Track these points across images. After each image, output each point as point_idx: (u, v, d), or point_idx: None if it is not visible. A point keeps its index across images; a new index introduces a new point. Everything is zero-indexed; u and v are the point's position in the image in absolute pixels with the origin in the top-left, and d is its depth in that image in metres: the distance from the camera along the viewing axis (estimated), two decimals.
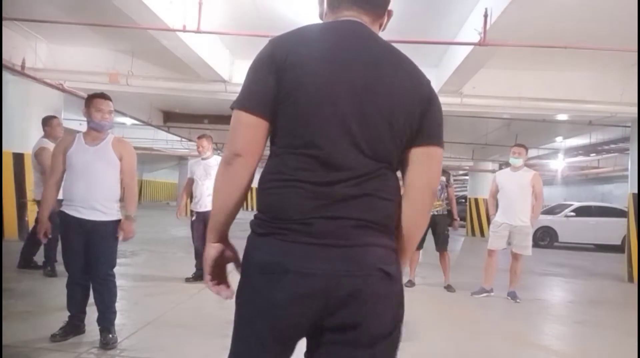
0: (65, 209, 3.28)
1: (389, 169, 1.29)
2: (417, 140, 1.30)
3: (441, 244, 6.19)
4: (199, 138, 5.90)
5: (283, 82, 1.22)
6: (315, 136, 1.23)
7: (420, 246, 6.22)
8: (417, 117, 1.30)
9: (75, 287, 3.38)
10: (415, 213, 1.34)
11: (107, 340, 3.29)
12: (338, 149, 1.23)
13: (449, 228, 6.24)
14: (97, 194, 3.25)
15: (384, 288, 1.25)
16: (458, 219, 6.22)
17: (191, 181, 5.91)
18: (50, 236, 3.31)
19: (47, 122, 5.58)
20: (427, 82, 1.40)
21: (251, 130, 1.24)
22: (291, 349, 1.31)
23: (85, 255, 3.30)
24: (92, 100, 3.31)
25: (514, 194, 5.63)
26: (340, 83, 1.24)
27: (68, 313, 3.41)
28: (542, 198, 5.77)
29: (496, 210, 5.90)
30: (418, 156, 1.31)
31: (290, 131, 1.25)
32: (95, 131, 3.32)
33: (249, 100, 1.25)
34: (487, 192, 6.58)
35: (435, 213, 6.11)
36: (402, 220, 1.34)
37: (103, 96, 3.36)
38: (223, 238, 1.36)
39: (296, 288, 1.20)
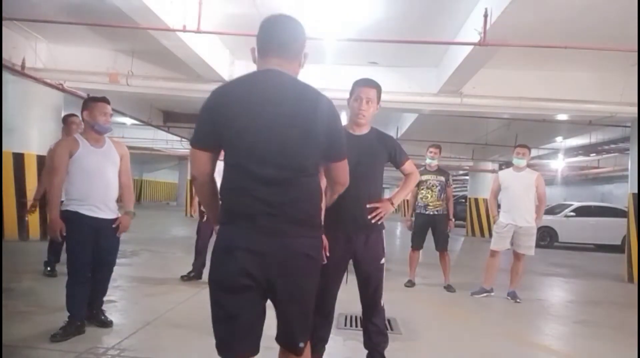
0: (78, 208, 3.36)
1: (308, 176, 1.82)
2: (329, 157, 1.91)
3: (441, 244, 6.18)
4: None
5: (219, 124, 1.77)
6: (245, 161, 1.77)
7: (420, 246, 6.22)
8: (323, 134, 1.81)
9: (77, 286, 3.41)
10: (333, 194, 2.14)
11: (106, 317, 3.69)
12: (264, 168, 1.75)
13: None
14: (111, 194, 3.52)
15: (308, 266, 1.83)
16: (453, 219, 6.23)
17: None
18: (65, 234, 3.35)
19: (64, 120, 5.52)
20: (327, 102, 1.84)
21: (200, 160, 1.85)
22: (256, 304, 1.83)
23: (94, 250, 3.46)
24: (96, 104, 3.47)
25: (519, 195, 5.61)
26: (259, 121, 1.75)
27: (67, 313, 3.41)
28: (545, 199, 5.78)
29: (497, 210, 5.90)
30: (331, 167, 1.96)
31: (230, 156, 1.82)
32: (96, 133, 3.48)
33: (197, 140, 1.84)
34: (487, 192, 6.58)
35: (435, 213, 6.10)
36: (327, 194, 2.12)
37: (104, 99, 3.54)
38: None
39: (242, 261, 1.75)
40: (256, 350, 1.88)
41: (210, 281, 1.86)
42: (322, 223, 2.00)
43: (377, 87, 2.92)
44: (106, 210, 3.47)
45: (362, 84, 2.90)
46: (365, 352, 3.10)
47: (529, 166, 5.93)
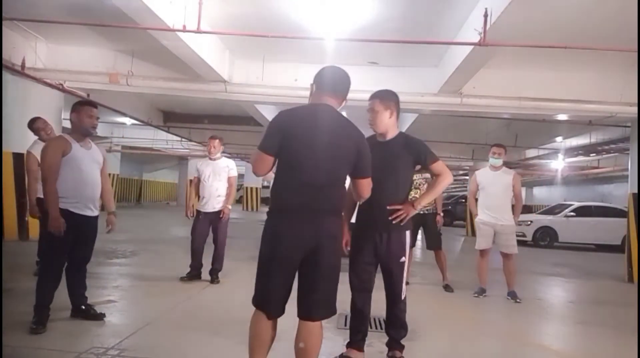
0: (68, 206, 3.51)
1: (339, 183, 2.55)
2: (356, 174, 2.58)
3: (433, 242, 6.13)
4: (212, 138, 5.81)
5: (283, 139, 2.45)
6: (297, 169, 2.47)
7: (411, 244, 6.18)
8: (354, 158, 2.52)
9: (52, 281, 3.56)
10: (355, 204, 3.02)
11: (95, 310, 3.83)
12: (309, 177, 2.44)
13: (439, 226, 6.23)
14: (97, 194, 3.77)
15: (333, 243, 2.52)
16: (442, 214, 6.23)
17: (197, 181, 5.84)
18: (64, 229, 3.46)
19: (31, 127, 5.26)
20: (360, 136, 2.56)
21: (264, 161, 2.50)
22: (292, 275, 2.49)
23: (76, 248, 3.65)
24: (83, 107, 3.66)
25: (498, 194, 5.69)
26: (311, 142, 2.46)
27: (37, 307, 3.53)
28: (521, 198, 5.91)
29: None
30: (356, 183, 2.62)
31: (286, 164, 2.50)
32: (82, 135, 3.68)
33: (264, 146, 2.48)
34: None
35: (426, 212, 6.03)
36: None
37: (91, 103, 3.78)
38: None
39: (288, 242, 2.44)
40: (281, 312, 2.50)
41: (261, 255, 2.50)
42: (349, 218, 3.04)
43: (380, 97, 3.16)
44: (93, 209, 3.70)
45: (369, 97, 3.18)
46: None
47: (506, 164, 6.02)
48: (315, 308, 2.46)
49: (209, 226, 5.73)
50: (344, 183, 2.56)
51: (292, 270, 2.46)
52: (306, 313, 2.47)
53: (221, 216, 5.67)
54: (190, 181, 5.66)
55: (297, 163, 2.45)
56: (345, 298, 3.01)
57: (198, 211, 5.76)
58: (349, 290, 3.17)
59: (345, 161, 2.49)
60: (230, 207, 5.80)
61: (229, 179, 5.77)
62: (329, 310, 2.51)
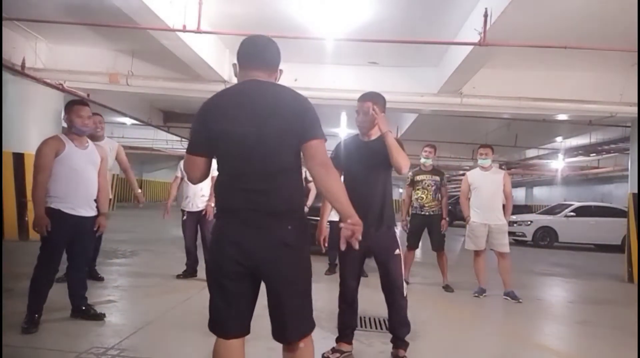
0: (59, 206, 3.51)
1: (287, 171, 2.01)
2: (302, 139, 1.97)
3: (438, 244, 6.19)
4: None
5: (209, 132, 2.01)
6: (230, 162, 2.02)
7: (415, 246, 6.22)
8: (299, 126, 1.98)
9: (46, 280, 3.58)
10: (321, 181, 1.99)
11: (96, 310, 3.86)
12: (249, 169, 1.97)
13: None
14: (92, 194, 3.71)
15: (287, 254, 1.97)
16: (447, 219, 6.24)
17: (179, 180, 5.91)
18: (50, 229, 3.46)
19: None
20: (298, 98, 2.05)
21: (194, 164, 2.08)
22: (246, 287, 2.03)
23: (74, 248, 3.70)
24: (73, 107, 3.62)
25: (490, 194, 5.74)
26: (242, 124, 1.96)
27: (29, 307, 3.55)
28: (511, 197, 5.94)
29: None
30: (306, 149, 1.98)
31: (221, 161, 2.05)
32: (77, 135, 3.64)
33: (192, 147, 2.07)
34: None
35: (431, 213, 6.10)
36: (322, 191, 2.02)
37: (81, 102, 3.74)
38: None
39: (230, 250, 1.98)
40: (247, 331, 2.09)
41: (206, 268, 2.14)
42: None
43: (373, 99, 3.25)
44: (87, 208, 3.66)
45: (359, 99, 3.27)
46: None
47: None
48: (285, 329, 2.02)
49: (196, 225, 5.79)
50: (296, 167, 2.05)
51: (243, 281, 2.01)
52: (276, 335, 2.05)
53: (206, 215, 5.70)
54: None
55: (229, 153, 2.00)
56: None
57: (183, 211, 5.84)
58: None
59: (288, 134, 1.97)
60: (213, 205, 5.82)
61: (212, 178, 5.78)
62: (302, 329, 2.04)
